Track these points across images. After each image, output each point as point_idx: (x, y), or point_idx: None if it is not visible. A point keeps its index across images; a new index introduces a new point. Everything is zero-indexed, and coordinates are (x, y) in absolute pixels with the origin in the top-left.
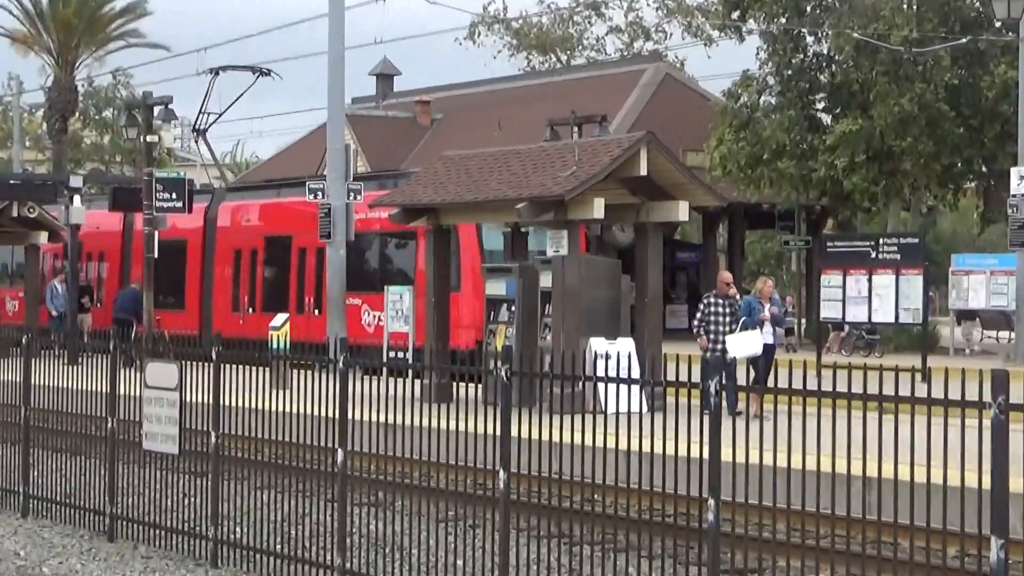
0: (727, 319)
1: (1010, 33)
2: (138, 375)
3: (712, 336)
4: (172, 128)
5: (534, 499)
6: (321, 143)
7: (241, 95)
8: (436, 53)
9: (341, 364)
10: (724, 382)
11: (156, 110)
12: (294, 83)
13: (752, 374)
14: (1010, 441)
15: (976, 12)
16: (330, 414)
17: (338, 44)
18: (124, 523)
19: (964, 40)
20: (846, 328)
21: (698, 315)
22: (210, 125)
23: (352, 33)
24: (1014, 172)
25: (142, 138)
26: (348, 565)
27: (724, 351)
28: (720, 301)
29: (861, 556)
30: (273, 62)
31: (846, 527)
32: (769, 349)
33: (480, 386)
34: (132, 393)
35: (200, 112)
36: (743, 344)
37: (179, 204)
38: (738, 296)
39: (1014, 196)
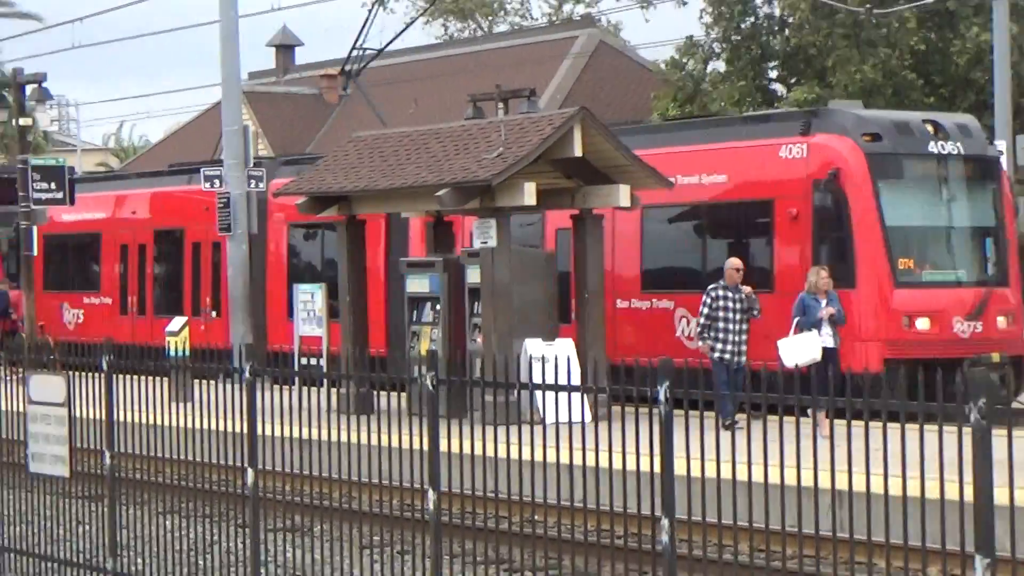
0: (740, 315)
1: None
2: (20, 389)
3: (722, 336)
4: (48, 109)
5: (468, 521)
6: (216, 124)
7: None
8: (343, 21)
9: (248, 374)
10: (722, 389)
11: (28, 89)
12: (186, 57)
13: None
14: (994, 449)
15: None
16: (238, 429)
17: (230, 10)
18: (11, 555)
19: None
20: None
21: (704, 311)
22: None
23: None
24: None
25: (14, 121)
26: None
27: (734, 355)
28: (729, 295)
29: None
30: (158, 33)
31: (815, 546)
32: (831, 353)
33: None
34: (14, 409)
35: None
36: (799, 349)
37: (59, 195)
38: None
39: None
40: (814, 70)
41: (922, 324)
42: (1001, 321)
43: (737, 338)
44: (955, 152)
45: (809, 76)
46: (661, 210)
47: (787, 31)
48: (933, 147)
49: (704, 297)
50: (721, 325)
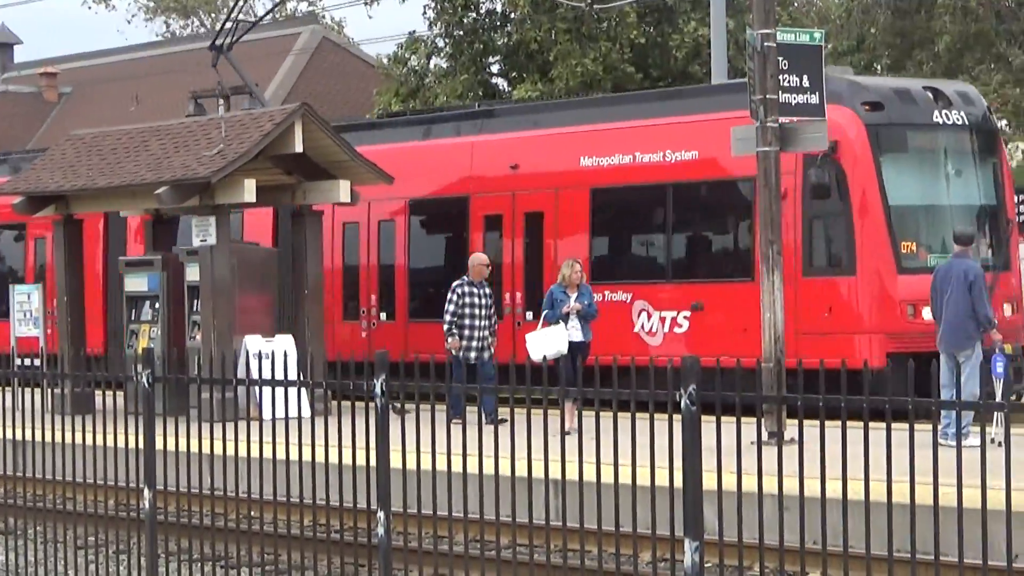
0: (486, 311)
1: None
2: None
3: (468, 333)
4: None
5: (185, 519)
6: None
7: None
8: (62, 18)
9: None
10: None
11: None
12: None
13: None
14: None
15: None
16: None
17: None
18: None
19: None
20: None
21: (450, 307)
22: None
23: None
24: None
25: None
26: None
27: (481, 352)
28: (475, 290)
29: (546, 566)
30: None
31: (529, 535)
32: (580, 347)
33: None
34: None
35: None
36: (545, 342)
37: None
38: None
39: None
40: (536, 65)
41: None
42: (1006, 309)
43: (481, 334)
44: (960, 122)
45: (531, 71)
46: (614, 192)
47: (509, 26)
48: (937, 117)
49: (450, 294)
50: (468, 323)
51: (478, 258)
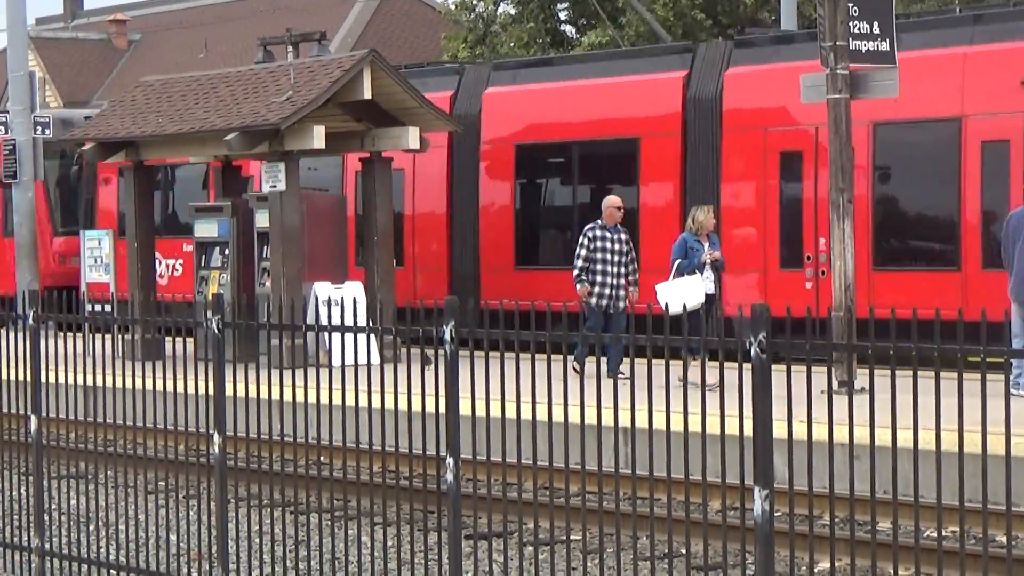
0: (622, 258)
1: None
2: None
3: (600, 279)
4: None
5: (255, 465)
6: (2, 71)
7: None
8: None
9: (31, 320)
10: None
11: None
12: None
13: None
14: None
15: None
16: (21, 377)
17: None
18: None
19: None
20: None
21: (581, 253)
22: None
23: None
24: None
25: None
26: (48, 546)
27: (613, 300)
28: (608, 235)
29: (615, 514)
30: None
31: (598, 483)
32: (710, 299)
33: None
34: None
35: None
36: (680, 293)
37: None
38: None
39: None
40: (605, 12)
41: None
42: None
43: (614, 282)
44: None
45: (600, 19)
46: None
47: None
48: None
49: (581, 238)
50: (600, 269)
51: (611, 200)
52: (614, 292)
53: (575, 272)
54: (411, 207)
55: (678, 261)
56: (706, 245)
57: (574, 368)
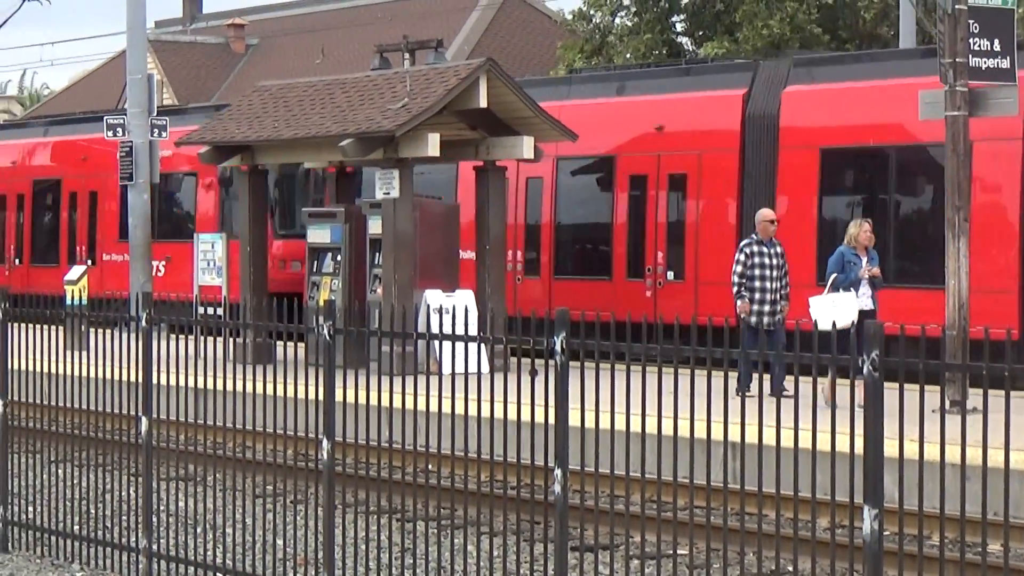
0: (777, 272)
1: None
2: None
3: (759, 296)
4: None
5: (362, 471)
6: (121, 73)
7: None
8: None
9: (144, 322)
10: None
11: None
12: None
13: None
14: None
15: None
16: (133, 378)
17: None
18: None
19: None
20: None
21: (737, 268)
22: None
23: None
24: None
25: None
26: (155, 547)
27: (773, 316)
28: (765, 249)
29: (722, 529)
30: None
31: (706, 497)
32: (868, 315)
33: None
34: None
35: None
36: (834, 310)
37: None
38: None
39: None
40: (722, 24)
41: None
42: None
43: (773, 297)
44: None
45: (717, 31)
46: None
47: None
48: None
49: (738, 253)
50: (758, 285)
51: (764, 214)
52: (772, 308)
53: (734, 288)
54: (693, 215)
55: (834, 275)
56: (864, 260)
57: (737, 393)
